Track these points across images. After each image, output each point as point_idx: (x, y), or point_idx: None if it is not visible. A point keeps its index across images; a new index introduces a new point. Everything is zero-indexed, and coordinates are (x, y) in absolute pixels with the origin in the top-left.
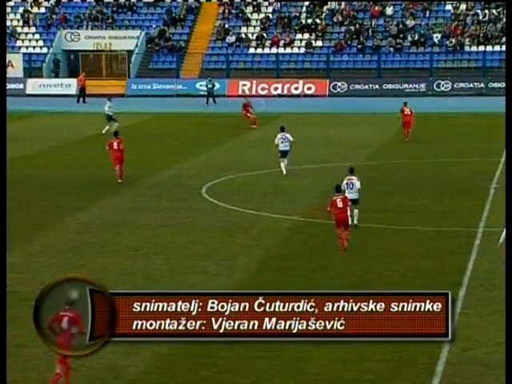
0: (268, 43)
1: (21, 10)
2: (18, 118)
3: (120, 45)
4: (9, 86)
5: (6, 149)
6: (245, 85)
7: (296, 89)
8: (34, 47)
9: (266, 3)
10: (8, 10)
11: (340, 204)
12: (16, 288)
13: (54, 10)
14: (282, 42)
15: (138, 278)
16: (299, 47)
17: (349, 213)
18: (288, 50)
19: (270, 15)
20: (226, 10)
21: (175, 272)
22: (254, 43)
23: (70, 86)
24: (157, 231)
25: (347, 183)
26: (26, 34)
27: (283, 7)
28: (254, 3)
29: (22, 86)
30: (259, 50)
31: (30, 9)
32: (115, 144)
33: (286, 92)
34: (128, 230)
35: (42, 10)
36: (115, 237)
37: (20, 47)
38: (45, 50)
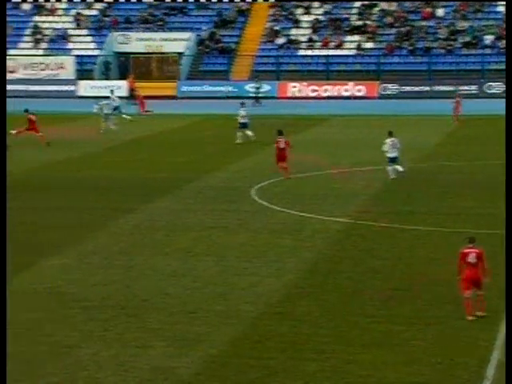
0: (318, 45)
1: (73, 12)
2: (69, 119)
3: (171, 47)
4: (61, 87)
5: (6, 150)
6: (295, 87)
7: (346, 91)
8: (85, 49)
9: (317, 5)
10: (60, 12)
11: (282, 145)
12: (68, 289)
13: (106, 13)
14: (332, 44)
15: (188, 280)
16: (350, 49)
17: (287, 152)
18: (338, 52)
19: (321, 17)
20: (277, 12)
21: (226, 274)
22: (304, 45)
23: (121, 87)
24: (207, 233)
25: (391, 144)
26: (78, 36)
27: (334, 9)
28: (305, 5)
29: (73, 87)
30: (309, 52)
31: (81, 11)
32: None
33: (336, 94)
34: (178, 232)
35: (94, 12)
36: (165, 238)
37: (72, 49)
38: (96, 53)
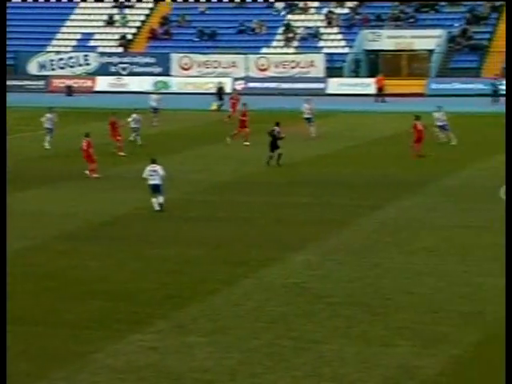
0: None
1: (325, 10)
2: (319, 117)
3: (421, 44)
4: (310, 85)
5: (6, 147)
6: None
7: None
8: (335, 47)
9: None
10: (312, 10)
11: None
12: (312, 285)
13: (357, 11)
14: None
15: (432, 280)
16: None
17: None
18: None
19: None
20: None
21: (470, 274)
22: None
23: (369, 85)
24: (451, 232)
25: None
26: (329, 34)
27: None
28: None
29: (323, 85)
30: None
31: (333, 9)
32: None
33: None
34: (423, 230)
35: (345, 10)
36: (410, 237)
37: (322, 47)
38: (346, 50)
